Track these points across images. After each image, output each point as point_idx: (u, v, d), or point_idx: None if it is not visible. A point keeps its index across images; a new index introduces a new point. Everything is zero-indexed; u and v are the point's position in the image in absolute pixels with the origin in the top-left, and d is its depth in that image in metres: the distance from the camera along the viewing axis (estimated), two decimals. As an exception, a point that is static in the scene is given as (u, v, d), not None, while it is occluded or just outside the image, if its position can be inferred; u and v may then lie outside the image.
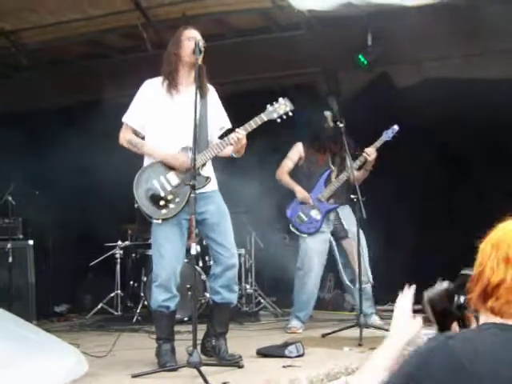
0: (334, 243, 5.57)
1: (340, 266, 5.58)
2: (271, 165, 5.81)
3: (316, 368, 3.77)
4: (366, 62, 6.30)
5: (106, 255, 6.78)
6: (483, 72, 6.44)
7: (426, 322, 1.93)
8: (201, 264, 6.47)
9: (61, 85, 6.09)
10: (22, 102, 6.50)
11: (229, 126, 4.20)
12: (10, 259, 5.85)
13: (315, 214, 5.49)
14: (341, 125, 5.28)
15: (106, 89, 6.10)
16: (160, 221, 3.93)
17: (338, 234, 5.59)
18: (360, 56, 6.21)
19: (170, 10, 5.77)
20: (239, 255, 6.07)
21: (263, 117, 4.01)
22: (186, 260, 6.26)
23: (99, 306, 6.65)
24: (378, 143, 5.38)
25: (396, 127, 5.38)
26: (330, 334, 5.06)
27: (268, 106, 4.02)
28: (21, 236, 6.17)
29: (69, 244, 6.86)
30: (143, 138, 4.11)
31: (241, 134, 3.91)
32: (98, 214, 6.62)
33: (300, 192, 5.54)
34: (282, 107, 4.01)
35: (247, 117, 4.04)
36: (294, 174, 5.68)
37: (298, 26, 6.03)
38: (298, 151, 5.65)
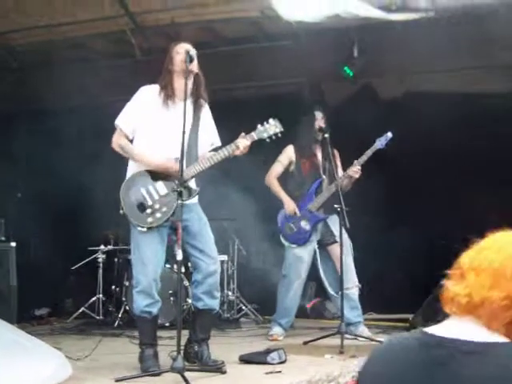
0: (317, 251, 5.58)
1: (322, 274, 5.61)
2: (257, 171, 5.84)
3: (298, 375, 3.82)
4: (351, 74, 6.38)
5: (88, 259, 6.77)
6: (468, 86, 6.56)
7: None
8: (183, 270, 6.49)
9: (48, 87, 6.07)
10: (8, 103, 6.47)
11: (219, 143, 4.26)
12: (-9, 260, 5.82)
13: (304, 225, 5.50)
14: (326, 135, 5.35)
15: (92, 93, 6.12)
16: (145, 229, 3.97)
17: (325, 240, 5.60)
18: (345, 67, 6.30)
19: (158, 17, 5.80)
20: (222, 262, 6.12)
21: (254, 135, 4.08)
22: (168, 266, 6.36)
23: (80, 310, 6.64)
24: (370, 151, 5.36)
25: (390, 134, 5.36)
26: (311, 341, 5.11)
27: (259, 125, 4.10)
28: (3, 238, 6.13)
29: (50, 247, 6.82)
30: (131, 141, 4.14)
31: (248, 142, 4.01)
32: (82, 217, 6.62)
33: (288, 204, 5.55)
34: (272, 128, 4.10)
35: (233, 125, 4.11)
36: (283, 179, 5.66)
37: (284, 37, 6.08)
38: (288, 155, 5.63)
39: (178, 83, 4.06)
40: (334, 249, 5.47)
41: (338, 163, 5.62)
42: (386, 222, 6.53)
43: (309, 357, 4.51)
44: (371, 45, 6.00)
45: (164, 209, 3.97)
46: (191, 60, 3.95)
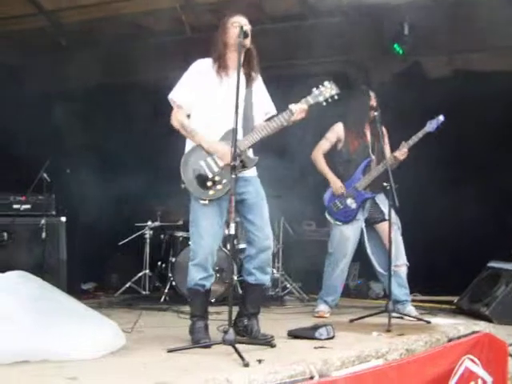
0: (364, 230, 5.56)
1: (370, 252, 5.57)
2: (304, 151, 5.82)
3: (346, 350, 3.82)
4: (401, 52, 6.30)
5: (135, 235, 6.88)
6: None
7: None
8: (229, 247, 6.54)
9: (97, 65, 6.15)
10: (61, 81, 6.56)
11: (274, 112, 4.23)
12: (44, 235, 5.93)
13: (350, 203, 5.49)
14: (376, 113, 5.30)
15: (144, 71, 6.17)
16: (207, 201, 3.99)
17: (373, 219, 5.57)
18: (395, 45, 6.22)
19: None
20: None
21: (309, 100, 4.02)
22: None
23: (127, 285, 6.75)
24: (421, 134, 5.32)
25: (441, 117, 5.30)
26: (357, 319, 5.11)
27: (314, 89, 4.02)
28: (54, 213, 6.25)
29: (98, 222, 6.94)
30: (188, 116, 4.15)
31: (304, 105, 3.96)
32: (130, 193, 6.71)
33: (334, 182, 5.53)
34: (327, 90, 4.01)
35: (284, 102, 4.09)
36: (331, 157, 5.63)
37: (332, 14, 6.03)
38: (336, 132, 5.59)
39: (231, 55, 4.07)
40: (383, 227, 5.41)
41: (387, 142, 5.57)
42: (434, 201, 6.48)
43: (356, 334, 4.50)
44: (421, 22, 5.89)
45: (224, 181, 3.98)
46: (245, 36, 3.95)
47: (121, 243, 6.90)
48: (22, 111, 5.89)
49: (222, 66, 4.07)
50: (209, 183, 4.02)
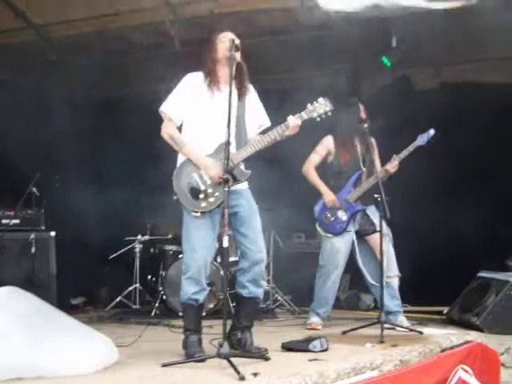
0: (355, 242, 5.57)
1: (361, 264, 5.59)
2: (294, 163, 5.84)
3: (341, 362, 3.82)
4: (389, 64, 6.37)
5: (125, 249, 6.85)
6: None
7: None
8: (219, 260, 6.53)
9: (86, 80, 6.15)
10: (48, 93, 6.54)
11: (268, 124, 4.28)
12: (33, 250, 5.90)
13: (341, 215, 5.52)
14: (365, 125, 5.34)
15: (136, 84, 6.18)
16: (199, 214, 4.00)
17: (365, 231, 5.59)
18: (384, 57, 6.29)
19: (198, 8, 5.83)
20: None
21: (303, 115, 4.07)
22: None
23: (118, 299, 6.71)
24: (411, 147, 5.37)
25: (432, 131, 5.36)
26: (350, 331, 5.11)
27: (308, 105, 4.09)
28: (43, 227, 6.21)
29: (86, 237, 6.91)
30: (179, 129, 4.16)
31: (298, 120, 4.01)
32: (118, 208, 6.69)
33: (327, 194, 5.56)
34: (321, 107, 4.07)
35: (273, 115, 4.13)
36: (321, 169, 5.66)
37: (322, 27, 6.07)
38: (326, 146, 5.63)
39: (222, 71, 4.10)
40: (375, 238, 5.44)
41: (377, 154, 5.60)
42: (424, 212, 6.52)
43: (350, 346, 4.51)
44: (409, 35, 5.95)
45: (216, 193, 3.99)
46: (237, 49, 3.98)
47: (111, 257, 6.87)
48: (11, 124, 5.86)
49: (212, 80, 4.10)
50: (201, 195, 4.03)
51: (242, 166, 4.13)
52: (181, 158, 4.16)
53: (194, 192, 4.04)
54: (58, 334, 3.59)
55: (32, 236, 5.92)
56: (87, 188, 6.59)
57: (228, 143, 3.77)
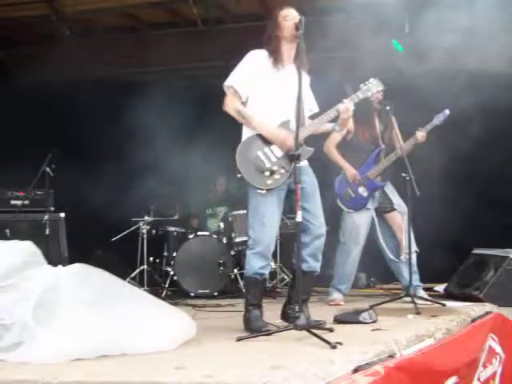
0: (375, 219, 5.74)
1: (381, 240, 5.76)
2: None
3: (404, 331, 3.94)
4: (401, 49, 6.53)
5: (130, 229, 6.77)
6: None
7: None
8: (225, 240, 6.57)
9: (98, 57, 6.01)
10: (61, 72, 6.35)
11: (317, 109, 4.37)
12: (48, 231, 5.75)
13: (362, 191, 5.67)
14: (387, 107, 5.47)
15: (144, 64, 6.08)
16: (264, 191, 4.03)
17: (383, 208, 5.76)
18: (395, 42, 6.45)
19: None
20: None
21: (359, 95, 4.23)
22: (207, 234, 6.44)
23: (127, 280, 6.62)
24: (430, 126, 5.58)
25: (447, 111, 5.56)
26: (377, 305, 5.19)
27: (361, 85, 4.26)
28: (52, 208, 6.06)
29: (92, 218, 6.78)
30: (243, 104, 4.18)
31: (349, 104, 4.09)
32: (124, 189, 6.60)
33: (349, 170, 5.68)
34: (374, 87, 4.28)
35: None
36: (341, 147, 5.77)
37: (334, 11, 6.16)
38: None
39: (286, 48, 4.15)
40: (393, 216, 5.65)
41: (398, 131, 5.75)
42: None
43: (395, 317, 4.60)
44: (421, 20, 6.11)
45: (282, 170, 4.05)
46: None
47: (115, 238, 6.76)
48: (19, 102, 5.68)
49: (277, 59, 4.14)
50: (267, 173, 4.06)
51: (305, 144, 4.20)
52: (244, 135, 4.18)
53: (260, 170, 4.07)
54: (140, 310, 3.56)
55: (46, 217, 5.77)
56: (92, 170, 6.47)
57: (299, 118, 3.83)
